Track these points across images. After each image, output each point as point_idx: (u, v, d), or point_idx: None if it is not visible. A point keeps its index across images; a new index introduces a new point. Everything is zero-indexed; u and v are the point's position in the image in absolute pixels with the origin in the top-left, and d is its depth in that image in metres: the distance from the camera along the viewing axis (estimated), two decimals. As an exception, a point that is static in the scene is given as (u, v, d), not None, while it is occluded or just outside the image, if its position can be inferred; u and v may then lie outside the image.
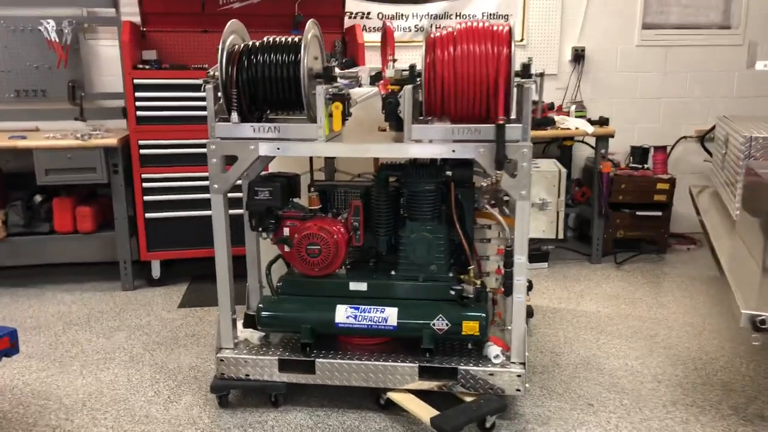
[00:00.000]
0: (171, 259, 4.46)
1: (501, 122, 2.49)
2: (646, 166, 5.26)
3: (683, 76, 5.51)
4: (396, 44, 5.01)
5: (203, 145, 4.29)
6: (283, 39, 2.71)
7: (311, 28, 2.72)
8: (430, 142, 2.62)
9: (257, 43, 2.72)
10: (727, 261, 2.92)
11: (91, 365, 3.34)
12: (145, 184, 4.26)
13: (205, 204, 4.36)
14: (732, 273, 2.83)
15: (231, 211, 2.83)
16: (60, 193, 4.35)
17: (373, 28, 4.93)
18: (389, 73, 2.69)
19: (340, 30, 4.77)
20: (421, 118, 2.69)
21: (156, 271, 4.43)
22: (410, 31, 5.00)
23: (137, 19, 4.43)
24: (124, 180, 4.23)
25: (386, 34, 2.99)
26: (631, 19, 5.34)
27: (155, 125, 4.20)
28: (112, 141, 4.10)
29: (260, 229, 2.86)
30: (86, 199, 4.45)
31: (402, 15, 4.98)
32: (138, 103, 4.15)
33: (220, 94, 2.72)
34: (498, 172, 2.55)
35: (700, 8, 5.53)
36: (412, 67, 2.66)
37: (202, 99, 4.19)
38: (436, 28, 2.65)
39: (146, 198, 4.27)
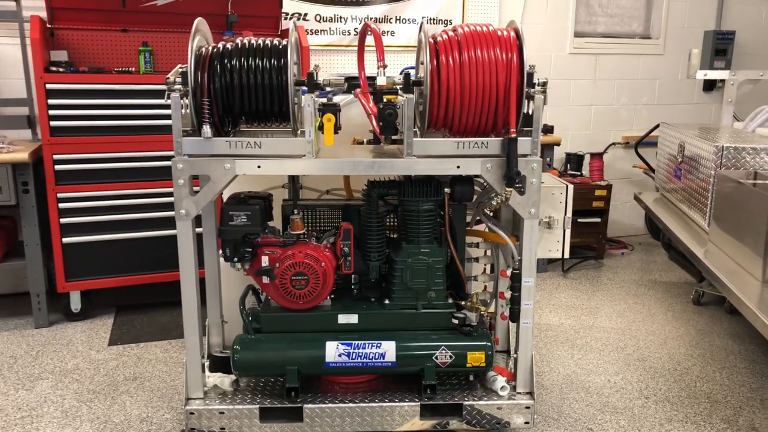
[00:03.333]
0: (92, 289, 3.90)
1: (513, 135, 2.29)
2: (582, 172, 5.33)
3: (611, 84, 5.62)
4: (335, 48, 4.80)
5: (128, 159, 3.89)
6: (262, 41, 2.36)
7: (293, 30, 2.39)
8: (432, 158, 2.37)
9: (229, 46, 2.34)
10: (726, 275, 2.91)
11: (14, 427, 2.78)
12: (61, 205, 3.68)
13: (131, 225, 3.92)
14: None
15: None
16: (-48, 217, 3.70)
17: (311, 30, 4.63)
18: (380, 80, 2.40)
19: (275, 32, 4.40)
20: (416, 130, 2.44)
21: (76, 304, 3.86)
22: (349, 34, 4.72)
23: (43, 15, 3.83)
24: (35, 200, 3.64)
25: (364, 35, 2.68)
26: (564, 26, 5.36)
27: (72, 137, 3.64)
28: (22, 156, 3.50)
29: (235, 259, 2.46)
30: (-16, 223, 3.81)
31: (340, 17, 4.69)
32: (52, 112, 3.57)
33: (185, 101, 2.30)
34: (507, 189, 2.35)
35: (624, 18, 5.68)
36: (407, 74, 2.39)
37: (128, 107, 3.82)
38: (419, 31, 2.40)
39: (63, 220, 3.70)
